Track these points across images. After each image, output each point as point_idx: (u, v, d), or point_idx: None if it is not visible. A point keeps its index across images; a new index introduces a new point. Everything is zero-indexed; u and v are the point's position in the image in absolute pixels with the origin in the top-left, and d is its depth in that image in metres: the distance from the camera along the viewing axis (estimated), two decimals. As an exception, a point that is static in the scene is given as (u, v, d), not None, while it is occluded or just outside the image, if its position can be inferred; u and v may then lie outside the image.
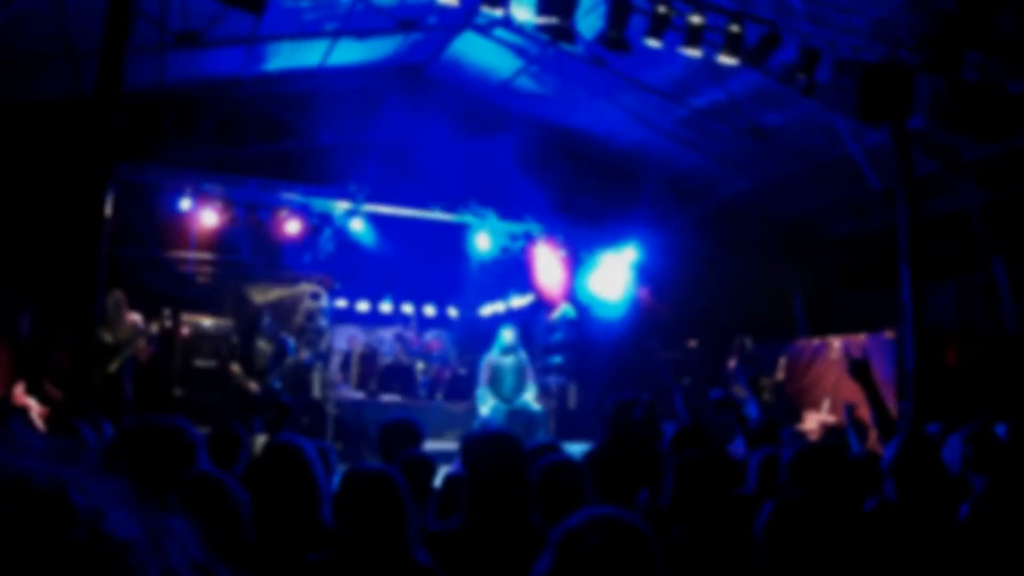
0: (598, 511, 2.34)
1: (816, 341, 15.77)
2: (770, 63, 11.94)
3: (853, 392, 11.87)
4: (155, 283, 14.74)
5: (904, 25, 10.85)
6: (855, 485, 4.12)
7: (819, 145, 14.90)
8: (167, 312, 11.73)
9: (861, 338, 14.33)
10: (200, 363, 13.36)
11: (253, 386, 11.58)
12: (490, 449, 3.94)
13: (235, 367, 11.83)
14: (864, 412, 7.71)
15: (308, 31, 13.02)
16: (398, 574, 3.16)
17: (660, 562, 2.22)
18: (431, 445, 13.51)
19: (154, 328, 11.39)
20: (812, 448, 4.36)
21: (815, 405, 14.88)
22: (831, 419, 14.18)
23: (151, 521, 1.12)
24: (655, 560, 2.21)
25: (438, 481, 5.72)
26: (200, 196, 14.98)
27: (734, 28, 10.90)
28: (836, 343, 15.12)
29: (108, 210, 8.40)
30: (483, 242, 16.97)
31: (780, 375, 14.53)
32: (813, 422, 14.23)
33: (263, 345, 11.96)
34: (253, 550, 3.17)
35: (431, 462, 5.51)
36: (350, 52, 15.47)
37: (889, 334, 13.60)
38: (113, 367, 10.74)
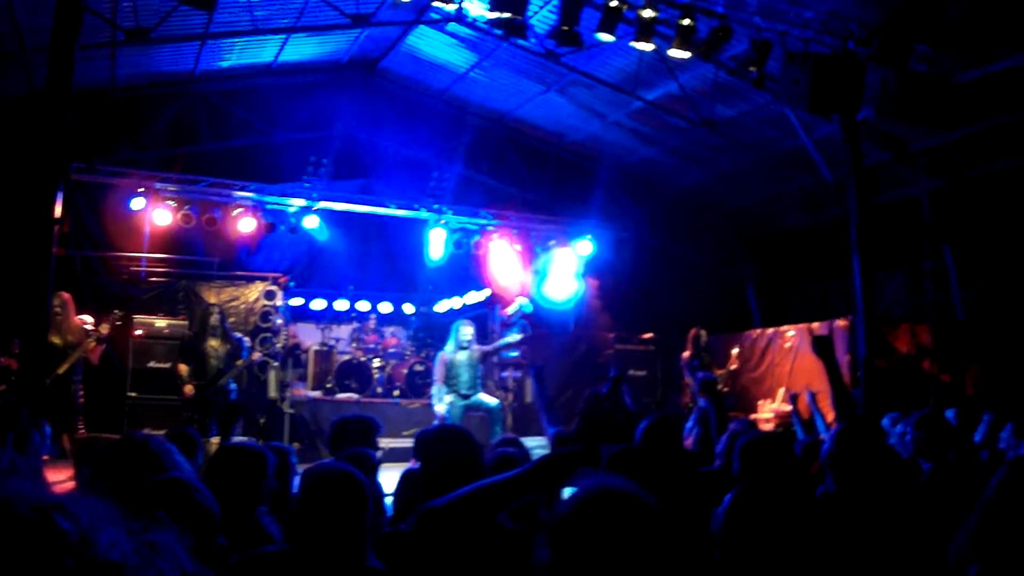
0: (601, 482, 2.32)
1: (770, 331, 15.89)
2: (722, 56, 12.03)
3: (807, 380, 11.99)
4: (107, 284, 14.58)
5: (854, 17, 10.95)
6: (805, 473, 4.16)
7: (772, 137, 15.03)
8: (116, 313, 11.55)
9: (815, 327, 14.45)
10: (154, 364, 13.21)
11: (189, 389, 11.47)
12: (444, 445, 3.95)
13: (183, 368, 11.72)
14: (821, 401, 7.79)
15: (261, 27, 12.93)
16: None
17: (667, 529, 2.20)
18: (389, 443, 13.51)
19: (104, 329, 11.23)
20: (761, 436, 4.39)
21: (770, 395, 15.00)
22: (786, 408, 14.30)
23: (141, 538, 1.11)
24: (663, 528, 2.19)
25: (392, 478, 5.70)
26: (153, 195, 14.83)
27: (686, 22, 10.95)
28: (789, 333, 15.25)
29: (58, 210, 8.30)
30: (438, 237, 16.94)
31: (733, 365, 14.62)
32: (768, 411, 14.34)
33: (216, 345, 11.84)
34: (226, 553, 3.15)
35: (371, 458, 5.47)
36: (303, 48, 15.41)
37: (842, 322, 13.73)
38: (62, 370, 10.60)
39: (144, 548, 1.10)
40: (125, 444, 3.65)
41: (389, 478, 5.95)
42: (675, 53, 11.32)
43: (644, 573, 2.13)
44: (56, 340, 10.38)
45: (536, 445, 8.06)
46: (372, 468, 5.40)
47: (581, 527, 2.18)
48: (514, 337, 12.16)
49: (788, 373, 14.95)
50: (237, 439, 10.58)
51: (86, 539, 1.03)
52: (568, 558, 2.18)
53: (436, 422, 11.17)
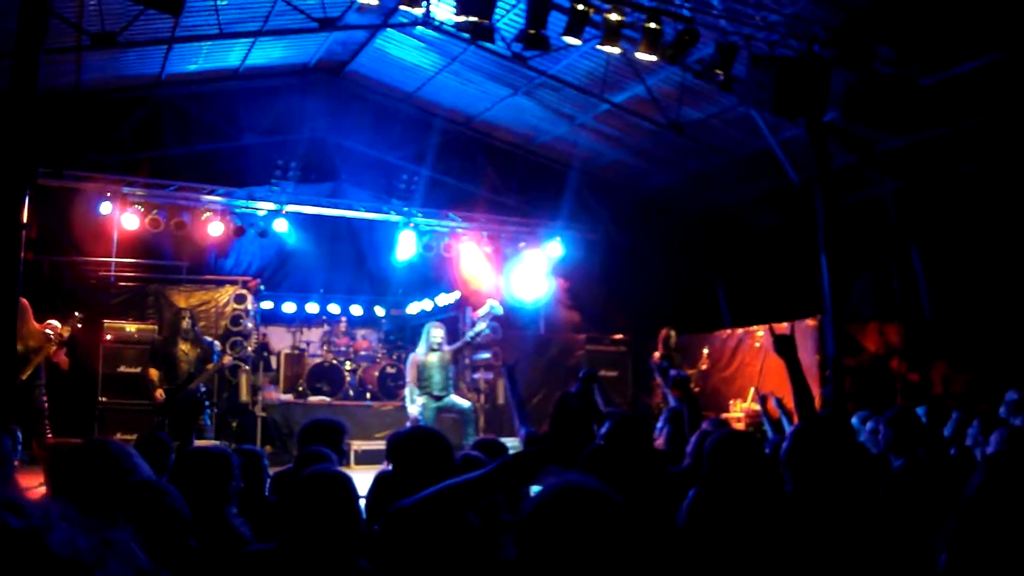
0: (566, 480, 2.35)
1: (740, 331, 16.00)
2: (688, 59, 12.11)
3: (777, 380, 12.10)
4: (76, 289, 14.52)
5: (818, 20, 11.07)
6: (774, 472, 4.20)
7: (739, 139, 15.15)
8: (77, 315, 11.52)
9: (784, 327, 14.54)
10: (124, 369, 13.17)
11: (159, 394, 11.48)
12: (415, 447, 3.99)
13: (153, 373, 11.71)
14: (788, 402, 7.87)
15: (227, 31, 12.90)
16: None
17: (632, 527, 2.24)
18: (361, 445, 13.54)
19: (64, 332, 11.21)
20: (729, 435, 4.43)
21: (741, 394, 15.10)
22: (756, 408, 14.40)
23: (96, 537, 1.14)
24: (627, 525, 2.22)
25: (366, 481, 5.71)
26: (120, 200, 14.79)
27: (652, 25, 11.01)
28: (759, 332, 15.36)
29: (25, 216, 8.27)
30: (408, 240, 16.97)
31: (704, 365, 14.72)
32: (739, 411, 14.45)
33: (187, 349, 11.83)
34: (197, 554, 3.19)
35: (327, 459, 5.50)
36: (270, 52, 15.39)
37: (811, 322, 13.85)
38: (25, 375, 10.58)
39: (99, 546, 1.12)
40: (86, 448, 3.68)
41: (363, 480, 5.97)
42: (642, 56, 11.39)
43: (608, 570, 2.17)
44: (18, 346, 10.35)
45: (511, 447, 8.10)
46: None
47: (545, 524, 2.22)
48: (480, 326, 12.17)
49: (759, 372, 15.05)
50: (204, 443, 10.59)
51: (37, 536, 1.06)
52: (533, 555, 2.21)
53: (409, 424, 11.19)
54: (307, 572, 3.21)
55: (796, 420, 6.97)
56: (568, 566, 2.15)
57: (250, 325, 15.03)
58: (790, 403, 7.94)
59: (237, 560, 3.30)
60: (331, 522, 3.25)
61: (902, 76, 10.96)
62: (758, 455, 4.15)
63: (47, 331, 11.22)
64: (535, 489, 2.55)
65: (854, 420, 7.62)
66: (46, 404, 11.05)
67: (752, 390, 14.63)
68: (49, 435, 10.85)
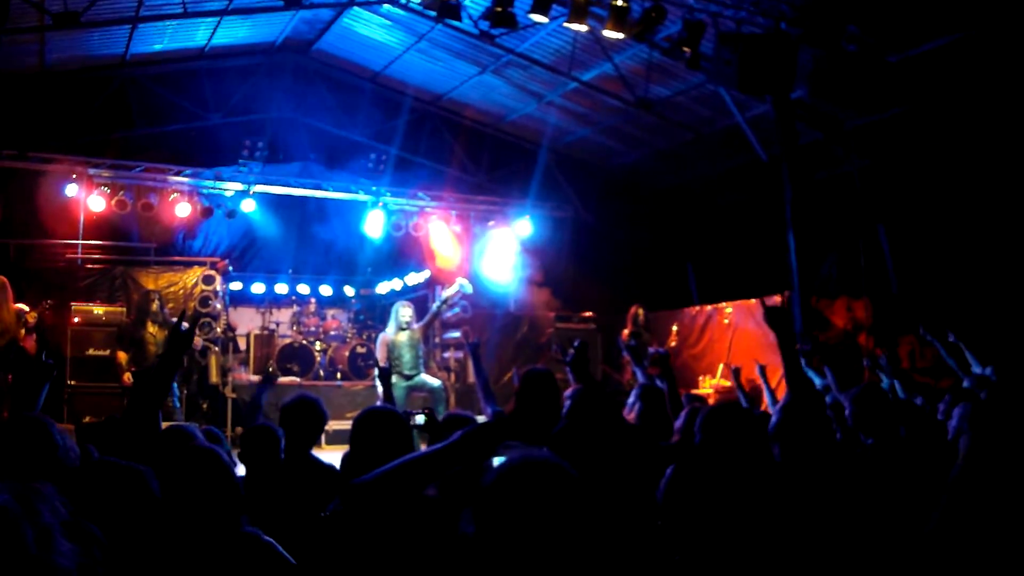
0: (524, 455, 2.36)
1: (709, 308, 16.07)
2: (656, 37, 12.13)
3: (746, 355, 12.19)
4: (43, 271, 14.42)
5: (785, -3, 11.10)
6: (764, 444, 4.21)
7: (706, 117, 15.20)
8: (47, 302, 11.47)
9: (752, 303, 14.64)
10: (93, 352, 13.09)
11: (127, 377, 11.46)
12: (371, 425, 4.03)
13: (121, 356, 11.67)
14: (770, 375, 7.95)
15: (192, 11, 12.79)
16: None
17: (590, 501, 2.26)
18: (332, 425, 13.48)
19: (31, 317, 11.16)
20: (723, 406, 4.44)
21: (710, 370, 15.19)
22: (726, 384, 14.49)
23: (21, 489, 1.16)
24: (584, 499, 2.24)
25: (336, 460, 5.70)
26: (86, 181, 14.71)
27: (619, 2, 11.02)
28: (728, 309, 15.45)
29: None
30: (377, 219, 16.96)
31: (673, 342, 14.76)
32: (708, 387, 14.53)
33: (155, 332, 11.77)
34: (166, 527, 3.22)
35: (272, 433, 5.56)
36: (236, 31, 15.28)
37: (778, 298, 13.91)
38: (-4, 355, 10.53)
39: (24, 496, 1.15)
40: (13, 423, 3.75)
41: (334, 460, 5.97)
42: (609, 34, 11.40)
43: (566, 544, 2.19)
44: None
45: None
46: (276, 443, 5.50)
47: (503, 499, 2.23)
48: (447, 293, 12.17)
49: (727, 349, 15.14)
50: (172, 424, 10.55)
51: None
52: (491, 529, 2.24)
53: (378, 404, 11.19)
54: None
55: (781, 393, 7.00)
56: (525, 540, 2.17)
57: (219, 306, 14.97)
58: (770, 375, 8.04)
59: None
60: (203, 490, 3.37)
61: (869, 54, 11.01)
62: (751, 426, 4.15)
63: (20, 312, 11.19)
64: (496, 462, 2.57)
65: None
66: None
67: (721, 366, 14.71)
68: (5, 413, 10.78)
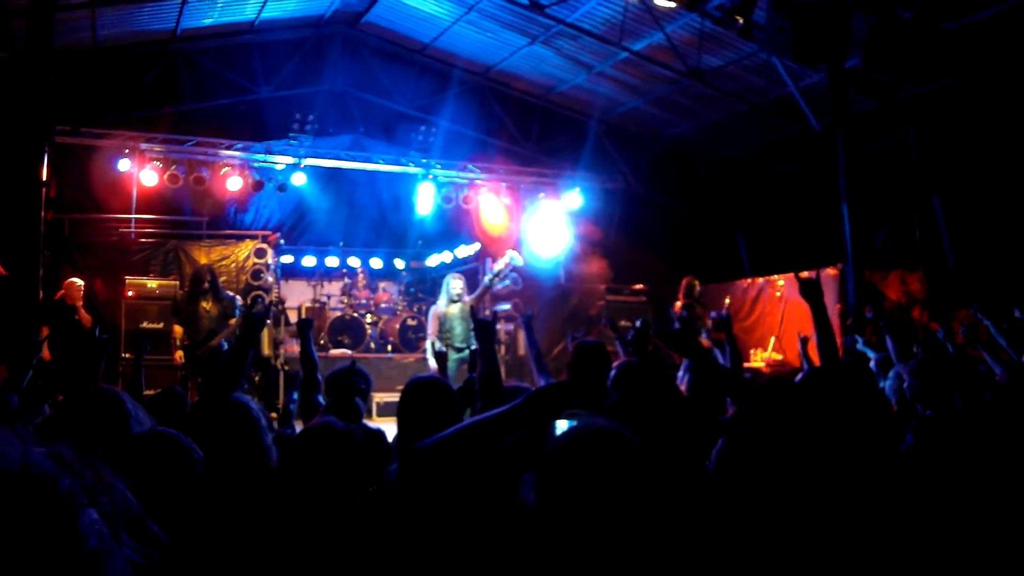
0: (586, 423, 2.36)
1: (760, 280, 15.95)
2: (708, 5, 11.99)
3: (798, 328, 12.06)
4: (96, 246, 14.58)
5: (839, -36, 10.89)
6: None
7: (759, 86, 14.99)
8: (71, 272, 11.70)
9: (802, 274, 14.48)
10: (147, 325, 13.24)
11: (179, 356, 11.57)
12: (418, 396, 4.02)
13: (177, 330, 11.76)
14: (810, 348, 7.85)
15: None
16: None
17: (651, 471, 2.25)
18: (383, 397, 13.59)
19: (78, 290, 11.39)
20: (775, 380, 4.40)
21: (761, 343, 15.08)
22: (777, 357, 14.39)
23: (87, 476, 1.14)
24: (646, 469, 2.23)
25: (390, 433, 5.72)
26: (138, 156, 14.85)
27: (671, -29, 10.90)
28: (780, 282, 15.32)
29: (44, 174, 8.29)
30: (427, 192, 16.97)
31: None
32: (759, 360, 14.44)
33: (208, 306, 11.85)
34: (209, 501, 3.21)
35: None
36: (286, 4, 15.31)
37: (831, 271, 13.77)
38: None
39: (92, 484, 1.13)
40: (84, 395, 3.70)
41: (387, 432, 5.98)
42: (660, 2, 11.29)
43: (626, 514, 2.17)
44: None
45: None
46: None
47: (564, 468, 2.23)
48: (499, 266, 12.14)
49: (779, 322, 15.03)
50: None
51: (19, 473, 1.07)
52: (552, 498, 2.22)
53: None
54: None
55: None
56: (589, 508, 2.16)
57: (271, 279, 15.07)
58: (811, 348, 7.95)
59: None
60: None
61: (925, 20, 10.80)
62: (801, 399, 4.11)
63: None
64: (560, 427, 2.55)
65: (871, 366, 7.61)
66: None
67: (772, 339, 14.61)
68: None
